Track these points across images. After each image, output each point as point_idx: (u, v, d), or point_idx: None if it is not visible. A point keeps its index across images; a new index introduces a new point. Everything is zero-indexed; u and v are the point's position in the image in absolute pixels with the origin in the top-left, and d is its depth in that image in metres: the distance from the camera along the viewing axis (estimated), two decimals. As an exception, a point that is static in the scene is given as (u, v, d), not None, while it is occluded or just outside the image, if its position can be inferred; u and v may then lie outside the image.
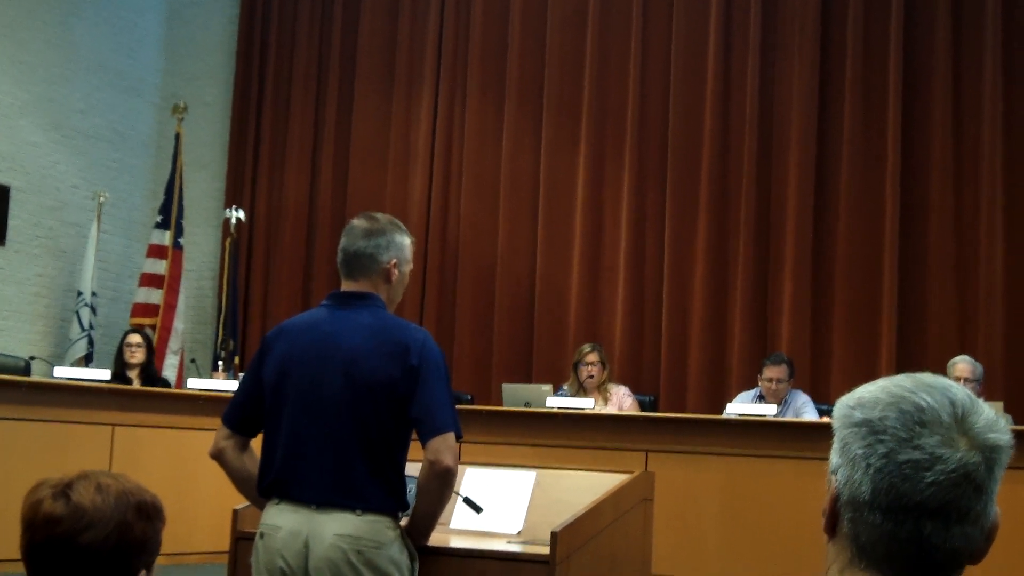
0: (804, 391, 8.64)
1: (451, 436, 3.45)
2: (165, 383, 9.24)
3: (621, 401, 8.64)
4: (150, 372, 8.95)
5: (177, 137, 11.37)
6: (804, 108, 9.94)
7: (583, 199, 10.60)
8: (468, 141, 11.14)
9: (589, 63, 10.73)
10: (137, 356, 8.86)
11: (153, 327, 10.76)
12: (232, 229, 11.07)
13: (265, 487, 3.56)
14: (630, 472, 4.25)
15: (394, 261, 3.67)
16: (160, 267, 10.99)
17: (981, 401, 1.47)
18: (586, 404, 8.24)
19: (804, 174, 9.88)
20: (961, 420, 1.43)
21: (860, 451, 1.44)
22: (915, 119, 9.75)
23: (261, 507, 3.61)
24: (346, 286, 3.67)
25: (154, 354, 9.27)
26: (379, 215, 3.77)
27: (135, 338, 8.98)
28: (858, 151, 9.81)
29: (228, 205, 11.36)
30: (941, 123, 9.63)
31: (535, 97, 10.94)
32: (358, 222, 3.72)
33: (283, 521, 3.47)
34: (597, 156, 10.65)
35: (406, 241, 3.73)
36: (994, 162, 9.46)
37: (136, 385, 8.63)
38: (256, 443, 3.69)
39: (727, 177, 10.19)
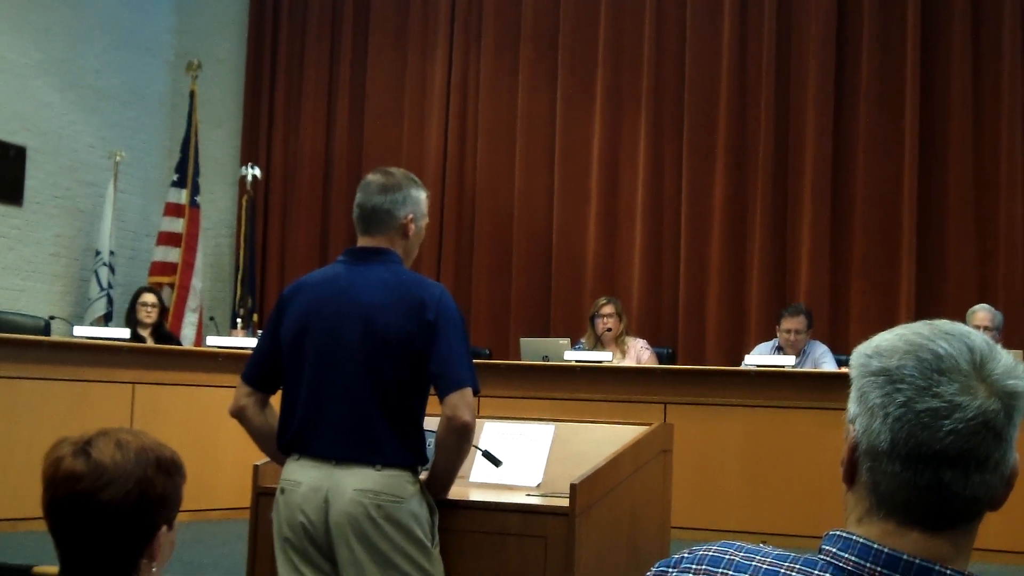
0: (823, 341, 8.64)
1: (468, 391, 3.45)
2: (177, 341, 9.25)
3: (639, 354, 8.64)
4: (162, 331, 8.96)
5: (192, 95, 11.35)
6: (821, 56, 9.87)
7: (599, 150, 10.57)
8: (483, 93, 11.10)
9: (604, 12, 10.66)
10: (152, 316, 8.88)
11: (171, 285, 10.80)
12: (248, 186, 11.07)
13: (285, 443, 3.58)
14: (649, 424, 4.25)
15: (411, 216, 3.66)
16: (177, 225, 11.01)
17: (999, 348, 1.46)
18: (604, 357, 8.25)
19: (822, 124, 9.82)
20: (980, 367, 1.42)
21: (878, 400, 1.43)
22: (934, 64, 9.68)
23: (281, 463, 3.62)
24: (362, 242, 3.67)
25: (165, 313, 9.27)
26: (394, 170, 3.75)
27: (150, 298, 8.99)
28: (876, 100, 9.75)
29: (244, 162, 11.37)
30: (960, 67, 9.56)
31: (550, 47, 10.88)
32: (373, 177, 3.71)
33: (303, 476, 3.48)
34: (613, 107, 10.61)
35: (422, 195, 3.72)
36: (1014, 106, 9.40)
37: (150, 344, 8.65)
38: (275, 400, 3.70)
39: (744, 127, 10.14)
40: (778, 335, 8.53)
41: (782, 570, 1.45)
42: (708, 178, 10.19)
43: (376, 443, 3.45)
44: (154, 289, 9.55)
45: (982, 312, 7.98)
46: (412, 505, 3.45)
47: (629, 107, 10.57)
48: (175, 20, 12.00)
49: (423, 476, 3.57)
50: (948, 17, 9.66)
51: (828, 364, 8.22)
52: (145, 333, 8.77)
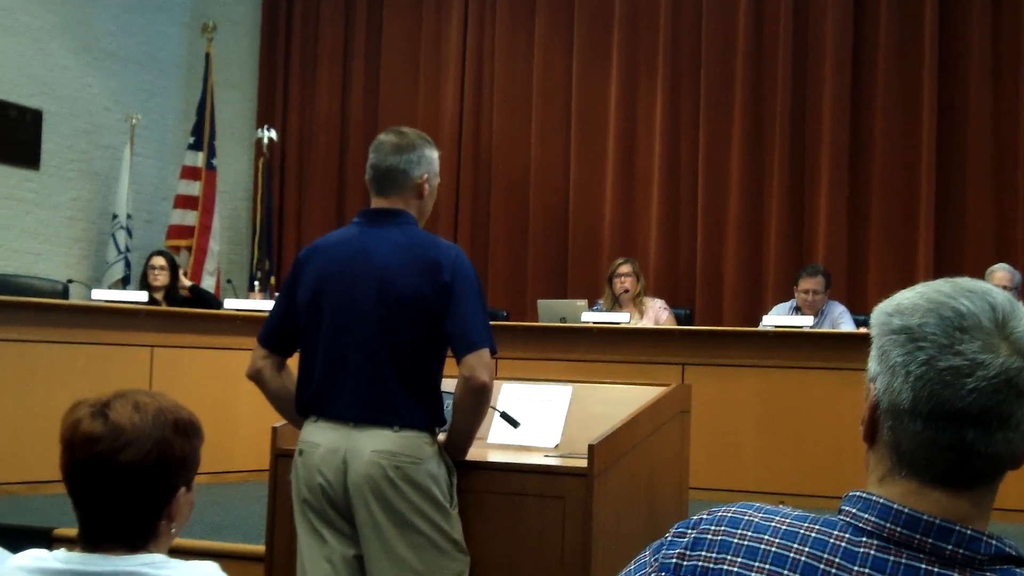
0: (840, 302, 8.61)
1: (486, 352, 3.46)
2: (190, 303, 9.15)
3: (657, 315, 8.62)
4: (174, 295, 8.91)
5: (207, 57, 11.34)
6: (840, 17, 9.81)
7: (616, 111, 10.52)
8: (499, 54, 11.05)
9: (620, -28, 10.60)
10: (160, 279, 8.82)
11: (189, 248, 10.82)
12: (264, 149, 11.06)
13: (303, 405, 3.59)
14: (667, 385, 4.24)
15: (425, 176, 3.65)
16: (194, 188, 11.02)
17: (1021, 305, 1.44)
18: (621, 318, 8.24)
19: (840, 81, 9.77)
20: (1002, 325, 1.41)
21: (900, 358, 1.42)
22: (953, 24, 9.61)
23: (299, 425, 3.63)
24: (377, 203, 3.66)
25: (178, 275, 9.19)
26: (407, 129, 3.74)
27: (158, 260, 8.94)
28: (895, 60, 9.69)
29: (260, 125, 11.34)
30: (979, 26, 9.48)
31: (566, 9, 10.82)
32: (386, 137, 3.70)
33: (321, 438, 3.49)
34: (629, 66, 10.55)
35: (435, 155, 3.72)
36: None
37: (163, 307, 8.62)
38: (292, 362, 3.70)
39: (762, 86, 10.08)
40: (796, 295, 8.50)
41: (801, 531, 1.44)
42: (725, 139, 10.14)
43: (393, 404, 3.45)
44: (164, 251, 9.48)
45: (1001, 271, 7.94)
46: (430, 466, 3.46)
47: (645, 69, 10.52)
48: (190, -18, 11.97)
49: (441, 437, 3.58)
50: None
51: (846, 324, 8.20)
52: (158, 296, 8.74)
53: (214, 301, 9.20)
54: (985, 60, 9.47)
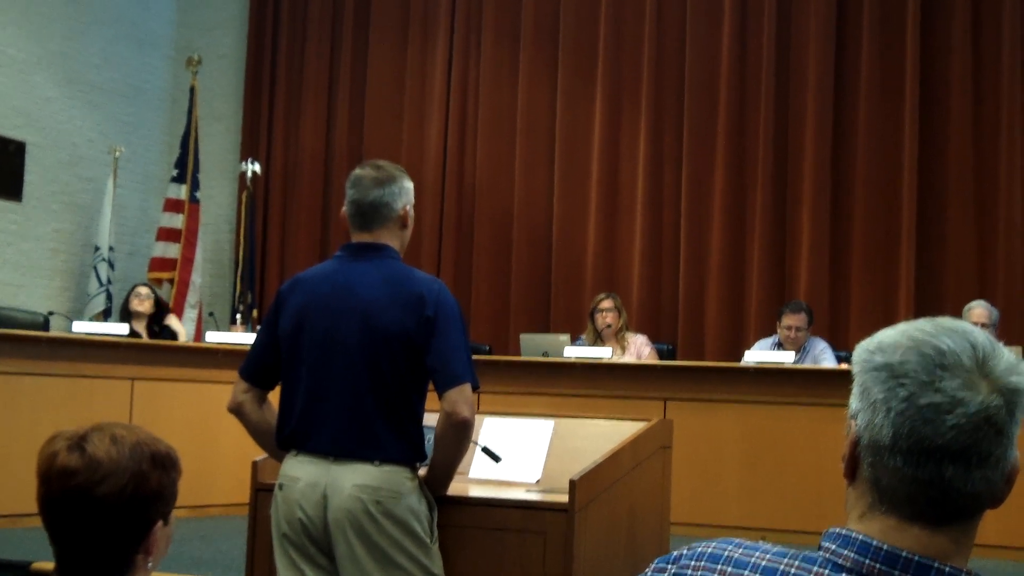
0: (822, 337, 8.63)
1: (467, 387, 3.45)
2: (172, 335, 9.10)
3: (639, 350, 8.63)
4: (157, 329, 8.87)
5: (192, 90, 11.35)
6: (821, 51, 9.87)
7: (599, 144, 10.56)
8: (484, 87, 11.09)
9: (604, 6, 10.66)
10: (145, 305, 8.80)
11: (171, 281, 10.80)
12: (248, 182, 11.06)
13: (283, 439, 3.57)
14: (648, 420, 4.24)
15: (407, 207, 3.66)
16: (177, 221, 11.00)
17: (1001, 345, 1.45)
18: (604, 353, 8.25)
19: (822, 118, 9.81)
20: (982, 363, 1.42)
21: (881, 395, 1.43)
22: (933, 58, 9.68)
23: (280, 459, 3.61)
24: (359, 237, 3.65)
25: (163, 308, 9.11)
26: (382, 162, 3.74)
27: (142, 289, 8.92)
28: (876, 88, 9.75)
29: (244, 158, 11.36)
30: (960, 59, 9.55)
31: (550, 41, 10.88)
32: (364, 172, 3.69)
33: (302, 472, 3.47)
34: (613, 100, 10.60)
35: (411, 185, 3.73)
36: (1013, 99, 9.39)
37: (145, 338, 8.58)
38: (273, 396, 3.69)
39: (744, 120, 10.13)
40: (778, 331, 8.52)
41: (781, 566, 1.44)
42: (708, 173, 10.18)
43: (374, 439, 3.44)
44: (148, 284, 9.48)
45: (979, 308, 7.96)
46: (411, 501, 3.44)
47: (629, 101, 10.56)
48: (176, 15, 12.00)
49: (422, 472, 3.56)
50: (948, 10, 9.65)
51: (828, 361, 8.22)
52: (139, 328, 8.70)
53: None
54: (966, 93, 9.52)
